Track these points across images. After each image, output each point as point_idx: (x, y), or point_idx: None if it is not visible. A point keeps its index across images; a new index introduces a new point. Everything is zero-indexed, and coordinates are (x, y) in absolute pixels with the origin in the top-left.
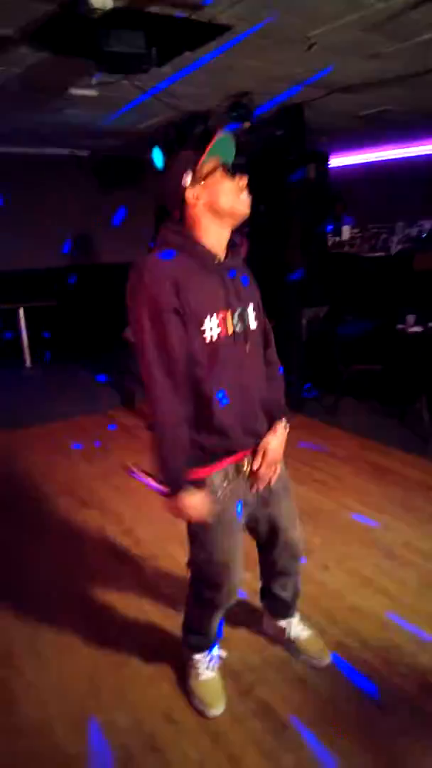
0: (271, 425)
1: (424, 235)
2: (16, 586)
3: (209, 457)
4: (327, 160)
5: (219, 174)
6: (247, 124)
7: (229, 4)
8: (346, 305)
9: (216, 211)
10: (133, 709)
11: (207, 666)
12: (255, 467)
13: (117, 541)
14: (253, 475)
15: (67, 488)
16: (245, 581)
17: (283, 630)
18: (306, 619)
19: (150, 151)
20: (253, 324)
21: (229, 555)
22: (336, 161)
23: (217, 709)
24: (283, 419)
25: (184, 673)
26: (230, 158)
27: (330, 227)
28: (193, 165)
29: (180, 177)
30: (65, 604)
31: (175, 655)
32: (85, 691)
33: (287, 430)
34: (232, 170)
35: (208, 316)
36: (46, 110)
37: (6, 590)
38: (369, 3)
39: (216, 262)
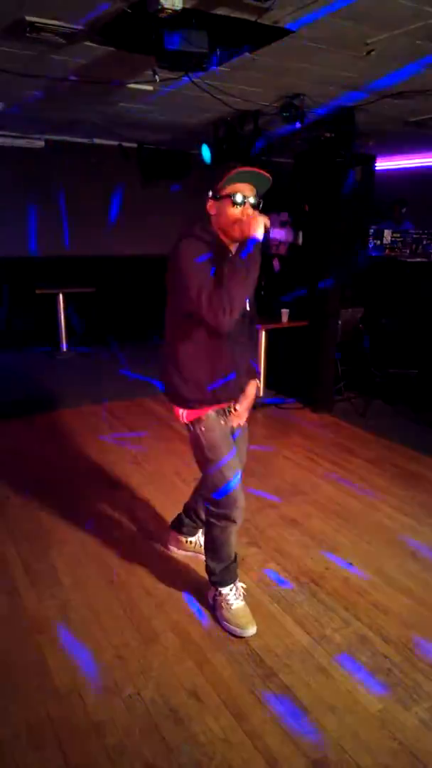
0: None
1: None
2: (49, 561)
3: (216, 400)
4: (374, 162)
5: (229, 200)
6: (297, 125)
7: (293, 9)
8: (383, 308)
9: (219, 225)
10: (159, 684)
11: (234, 596)
12: (238, 408)
13: (146, 525)
14: (234, 414)
15: (99, 470)
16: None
17: (192, 543)
18: (330, 610)
19: (200, 147)
20: (248, 306)
21: (236, 469)
22: (382, 164)
23: (251, 630)
24: (256, 378)
25: (215, 610)
26: (250, 191)
27: (389, 228)
28: (215, 185)
29: (209, 189)
30: (94, 580)
31: (202, 637)
32: (113, 662)
33: (257, 387)
34: (242, 202)
35: None
36: (103, 102)
37: (39, 562)
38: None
39: (230, 255)
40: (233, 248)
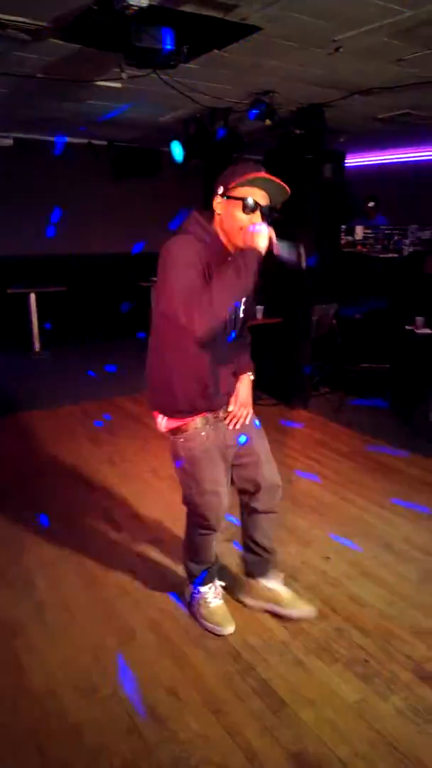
0: (237, 379)
1: None
2: (23, 563)
3: (195, 410)
4: (344, 159)
5: (240, 203)
6: (267, 122)
7: (261, 6)
8: (356, 304)
9: (222, 226)
10: (137, 683)
11: (213, 595)
12: (230, 408)
13: (122, 524)
14: (229, 416)
15: (73, 470)
16: None
17: (270, 590)
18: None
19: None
20: (241, 314)
21: (216, 484)
22: (352, 161)
23: (229, 628)
24: (249, 372)
25: (193, 609)
26: (264, 198)
27: (361, 223)
28: (227, 182)
29: (218, 184)
30: (70, 581)
31: (179, 634)
32: (90, 663)
33: (252, 379)
34: (253, 208)
35: None
36: (71, 100)
37: (12, 564)
38: (398, 10)
39: (229, 258)
40: (232, 247)
